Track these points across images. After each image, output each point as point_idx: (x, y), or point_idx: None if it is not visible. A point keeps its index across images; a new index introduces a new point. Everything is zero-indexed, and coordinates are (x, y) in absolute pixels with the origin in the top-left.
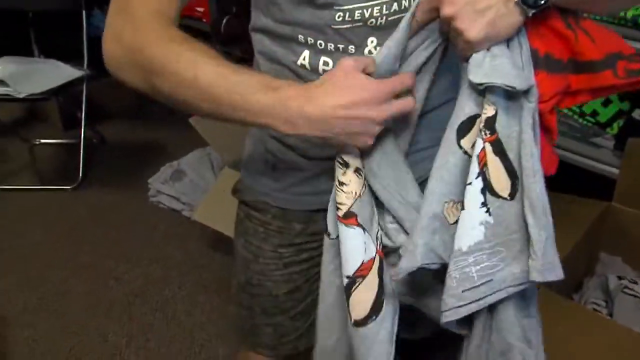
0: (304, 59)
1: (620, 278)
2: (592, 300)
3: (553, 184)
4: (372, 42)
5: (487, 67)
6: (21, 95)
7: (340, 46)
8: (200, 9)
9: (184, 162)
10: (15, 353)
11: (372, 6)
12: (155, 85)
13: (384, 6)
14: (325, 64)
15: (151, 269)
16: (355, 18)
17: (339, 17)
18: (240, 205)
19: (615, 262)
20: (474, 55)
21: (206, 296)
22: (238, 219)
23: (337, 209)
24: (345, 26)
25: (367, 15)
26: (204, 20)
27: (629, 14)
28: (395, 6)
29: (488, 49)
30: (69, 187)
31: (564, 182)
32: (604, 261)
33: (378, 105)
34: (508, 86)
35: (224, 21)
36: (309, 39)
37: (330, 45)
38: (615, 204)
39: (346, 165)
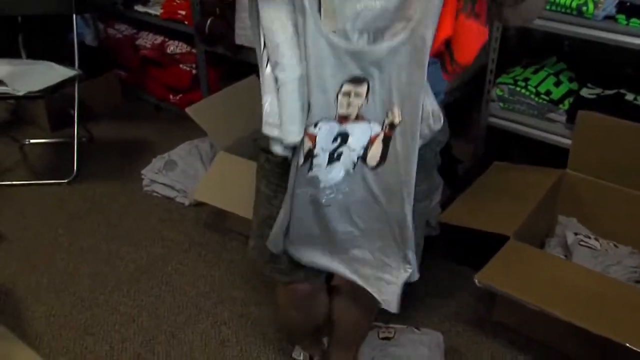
0: None
1: (576, 234)
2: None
3: (514, 156)
4: None
5: None
6: (20, 94)
7: None
8: (182, 12)
9: (174, 153)
10: (34, 327)
11: None
12: None
13: None
14: None
15: (153, 249)
16: None
17: None
18: (260, 153)
19: (571, 222)
20: None
21: (207, 269)
22: (259, 164)
23: (347, 117)
24: None
25: None
26: (186, 22)
27: (574, 3)
28: None
29: None
30: (64, 181)
31: (524, 153)
32: (562, 222)
33: None
34: None
35: (208, 22)
36: None
37: None
38: (569, 171)
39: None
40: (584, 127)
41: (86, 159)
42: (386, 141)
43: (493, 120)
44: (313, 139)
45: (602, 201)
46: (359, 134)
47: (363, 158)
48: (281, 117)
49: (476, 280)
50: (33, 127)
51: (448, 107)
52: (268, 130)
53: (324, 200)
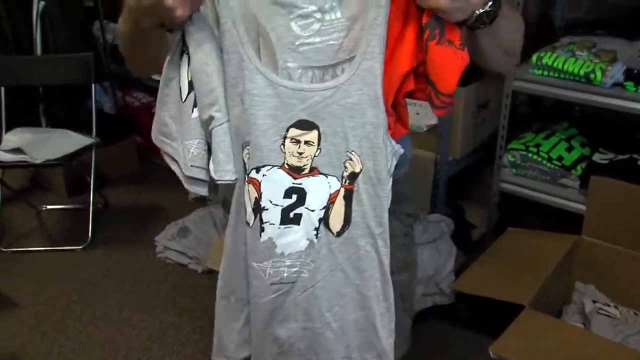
0: None
1: (594, 302)
2: (571, 323)
3: (528, 221)
4: None
5: None
6: (38, 162)
7: None
8: None
9: (188, 220)
10: None
11: None
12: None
13: None
14: None
15: (165, 317)
16: None
17: None
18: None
19: (589, 289)
20: None
21: None
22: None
23: (300, 169)
24: None
25: None
26: None
27: (582, 71)
28: None
29: None
30: (78, 247)
31: (537, 219)
32: (579, 289)
33: None
34: None
35: None
36: None
37: None
38: (584, 237)
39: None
40: (598, 192)
41: (102, 225)
42: (348, 197)
43: (505, 186)
44: (257, 185)
45: (619, 267)
46: (317, 190)
47: (325, 222)
48: (216, 157)
49: (491, 352)
50: (50, 193)
51: (460, 173)
52: (194, 172)
53: (285, 275)
